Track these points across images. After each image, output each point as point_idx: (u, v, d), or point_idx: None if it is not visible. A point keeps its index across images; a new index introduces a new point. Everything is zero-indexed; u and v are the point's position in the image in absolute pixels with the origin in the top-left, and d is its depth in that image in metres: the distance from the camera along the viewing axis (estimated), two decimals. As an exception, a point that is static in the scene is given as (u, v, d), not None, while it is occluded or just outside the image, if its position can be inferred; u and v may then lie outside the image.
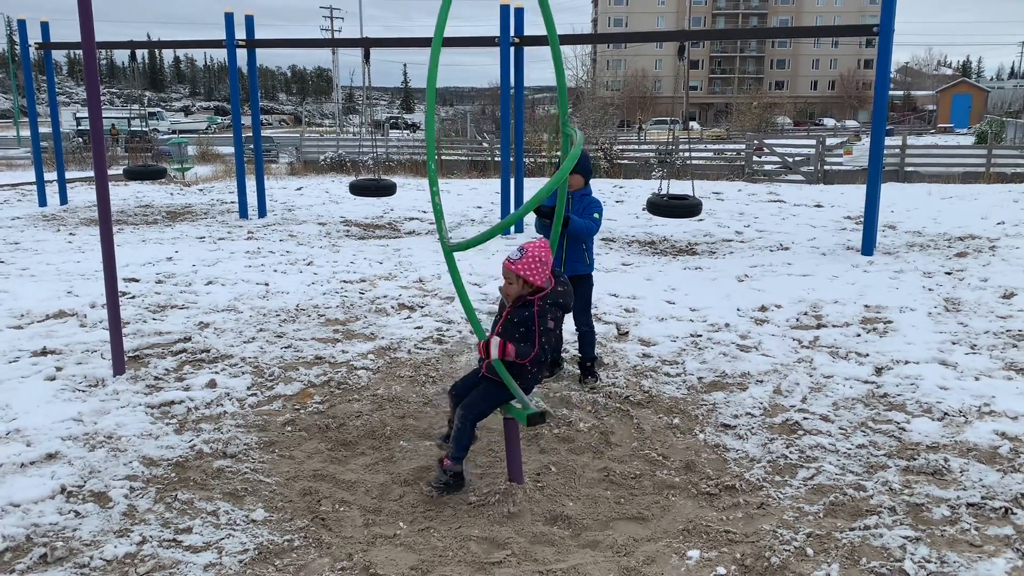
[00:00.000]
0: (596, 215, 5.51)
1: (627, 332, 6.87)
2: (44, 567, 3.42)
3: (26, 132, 33.83)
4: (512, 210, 12.04)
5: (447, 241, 3.86)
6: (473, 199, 16.40)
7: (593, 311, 6.01)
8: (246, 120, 16.03)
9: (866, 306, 7.61)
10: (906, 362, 6.01)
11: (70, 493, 4.02)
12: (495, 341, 3.85)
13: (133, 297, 7.98)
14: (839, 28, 12.04)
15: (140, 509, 3.90)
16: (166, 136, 40.09)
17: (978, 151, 25.03)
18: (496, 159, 24.38)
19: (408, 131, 58.67)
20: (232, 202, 15.86)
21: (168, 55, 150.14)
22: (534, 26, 11.86)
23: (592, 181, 5.86)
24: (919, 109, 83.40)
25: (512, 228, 11.90)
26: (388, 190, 12.21)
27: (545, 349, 3.94)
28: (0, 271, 9.27)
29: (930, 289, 8.22)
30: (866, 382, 5.65)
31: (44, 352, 6.24)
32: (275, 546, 3.62)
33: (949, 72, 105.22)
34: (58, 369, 5.82)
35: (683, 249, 10.99)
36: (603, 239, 11.39)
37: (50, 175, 17.16)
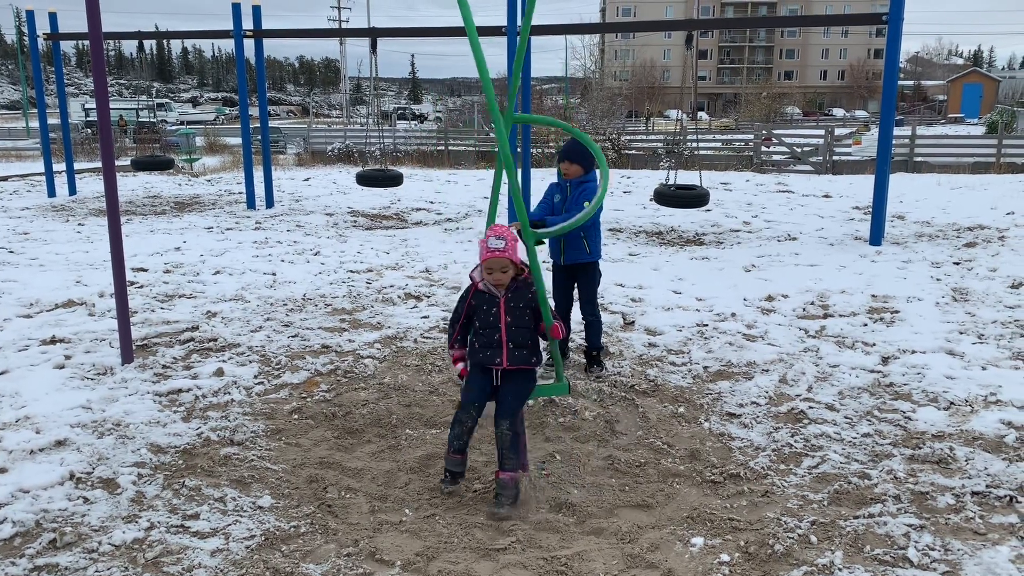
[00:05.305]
0: (586, 203, 5.19)
1: (633, 322, 6.87)
2: (53, 552, 3.46)
3: (35, 123, 33.99)
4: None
5: (529, 229, 4.20)
6: (481, 190, 16.39)
7: (600, 301, 6.01)
8: (254, 111, 16.05)
9: (873, 296, 7.59)
10: (913, 351, 6.00)
11: (79, 479, 4.06)
12: (560, 324, 4.14)
13: (141, 287, 8.02)
14: (848, 17, 11.98)
15: (148, 495, 3.93)
16: (174, 127, 40.22)
17: (988, 141, 24.88)
18: (503, 149, 24.31)
19: (416, 121, 58.57)
20: (240, 193, 15.90)
21: (176, 46, 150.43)
22: (541, 16, 11.81)
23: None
24: (929, 99, 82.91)
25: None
26: (395, 180, 12.24)
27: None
28: (10, 261, 9.34)
29: (938, 279, 8.20)
30: (872, 371, 5.64)
31: (53, 341, 6.28)
32: (282, 532, 3.65)
33: (960, 61, 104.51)
34: (67, 357, 5.86)
35: (690, 239, 10.97)
36: (610, 229, 11.37)
37: (59, 166, 17.24)
